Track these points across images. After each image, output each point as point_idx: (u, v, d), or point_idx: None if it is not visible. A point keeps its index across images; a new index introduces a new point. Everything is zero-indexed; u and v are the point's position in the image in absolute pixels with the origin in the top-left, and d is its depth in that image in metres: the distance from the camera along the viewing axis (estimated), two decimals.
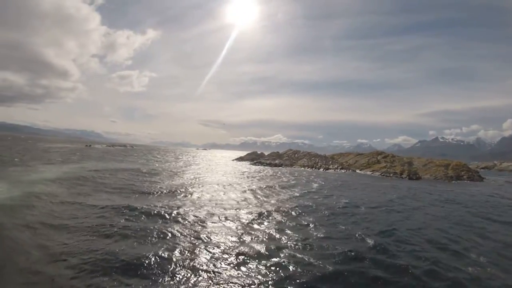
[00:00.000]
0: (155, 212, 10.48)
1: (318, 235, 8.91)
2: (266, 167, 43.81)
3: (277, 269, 6.46)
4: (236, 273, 6.21)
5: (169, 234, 8.26)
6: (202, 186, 17.96)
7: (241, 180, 22.99)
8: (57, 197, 12.06)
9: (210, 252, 7.17)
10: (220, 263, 6.62)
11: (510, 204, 17.77)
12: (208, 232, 8.66)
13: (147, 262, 6.39)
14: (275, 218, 10.87)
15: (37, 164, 24.14)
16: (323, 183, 24.26)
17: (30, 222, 8.63)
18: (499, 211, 15.18)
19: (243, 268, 6.43)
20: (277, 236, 8.73)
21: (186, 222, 9.62)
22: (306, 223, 10.37)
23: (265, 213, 11.42)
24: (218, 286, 5.67)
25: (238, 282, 5.83)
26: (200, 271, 6.15)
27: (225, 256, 7.01)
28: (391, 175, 36.64)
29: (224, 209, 11.91)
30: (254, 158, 56.52)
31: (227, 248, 7.56)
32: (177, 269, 6.21)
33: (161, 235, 8.14)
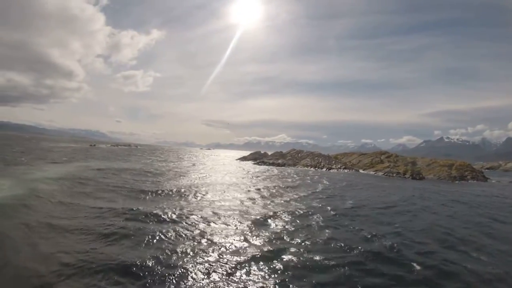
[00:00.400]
0: (157, 212, 10.29)
1: (325, 236, 8.85)
2: (269, 166, 43.86)
3: (283, 271, 6.38)
4: (239, 275, 6.12)
5: (171, 235, 8.12)
6: (205, 186, 17.85)
7: (244, 180, 23.03)
8: (58, 196, 12.02)
9: (213, 254, 7.04)
10: (224, 265, 6.49)
11: None
12: (211, 233, 8.54)
13: (145, 263, 6.26)
14: (280, 219, 10.69)
15: (40, 163, 24.40)
16: (327, 183, 24.20)
17: (28, 220, 8.60)
18: (504, 211, 15.18)
19: (246, 270, 6.34)
20: (283, 237, 8.62)
21: (188, 222, 9.49)
22: (312, 224, 10.25)
23: (270, 214, 11.25)
24: None
25: (242, 284, 5.79)
26: (201, 273, 6.06)
27: (229, 257, 6.89)
28: (394, 175, 36.52)
29: (228, 209, 11.77)
30: (257, 157, 56.64)
31: (231, 249, 7.44)
32: (177, 271, 6.06)
33: (162, 236, 8.00)
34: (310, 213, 11.88)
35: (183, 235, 8.25)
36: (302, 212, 11.98)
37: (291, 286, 5.83)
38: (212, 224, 9.54)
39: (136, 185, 16.10)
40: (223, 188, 17.39)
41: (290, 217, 11.04)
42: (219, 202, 13.28)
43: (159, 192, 14.53)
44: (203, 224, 9.41)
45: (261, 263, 6.70)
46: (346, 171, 41.19)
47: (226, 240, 8.07)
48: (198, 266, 6.33)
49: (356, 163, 47.32)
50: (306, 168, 43.49)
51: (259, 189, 17.66)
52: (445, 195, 20.69)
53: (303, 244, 8.11)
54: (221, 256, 6.93)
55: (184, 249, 7.22)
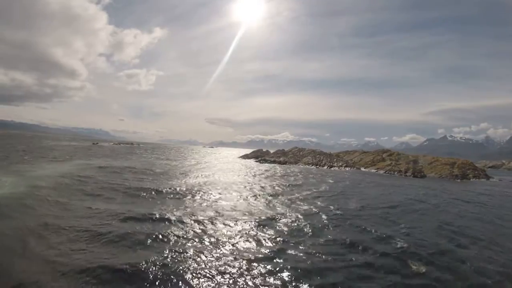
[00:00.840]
0: (157, 213, 10.06)
1: (331, 237, 8.80)
2: (271, 164, 43.82)
3: (289, 273, 6.27)
4: (242, 276, 6.02)
5: (171, 236, 7.95)
6: (207, 184, 17.72)
7: (246, 178, 23.08)
8: (56, 194, 11.95)
9: (214, 255, 6.90)
10: (226, 266, 6.36)
11: None
12: (212, 234, 8.38)
13: (143, 266, 6.08)
14: (285, 219, 10.50)
15: (42, 161, 24.57)
16: (331, 181, 24.24)
17: (24, 220, 8.56)
18: (509, 210, 15.37)
19: (249, 272, 6.22)
20: (288, 238, 8.46)
21: (190, 223, 9.29)
22: (318, 224, 10.11)
23: (274, 214, 11.06)
24: None
25: (245, 285, 5.74)
26: (202, 275, 5.95)
27: (231, 259, 6.77)
28: (396, 173, 36.45)
29: (230, 209, 11.60)
30: (259, 155, 56.61)
31: (233, 250, 7.29)
32: (177, 274, 5.90)
33: (162, 237, 7.83)
34: (315, 213, 11.79)
35: (184, 236, 8.08)
36: (306, 212, 11.87)
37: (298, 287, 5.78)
38: (214, 224, 9.38)
39: (137, 184, 15.94)
40: (225, 187, 17.28)
41: (294, 217, 10.86)
42: (221, 201, 13.20)
43: (160, 191, 14.34)
44: (204, 225, 9.23)
45: (265, 264, 6.61)
46: (347, 169, 41.11)
47: (228, 241, 7.93)
48: (198, 268, 6.22)
49: (358, 161, 47.25)
50: (307, 166, 43.42)
51: (262, 188, 17.64)
52: (448, 193, 20.70)
53: (308, 244, 8.00)
54: (223, 258, 6.80)
55: (183, 250, 7.08)
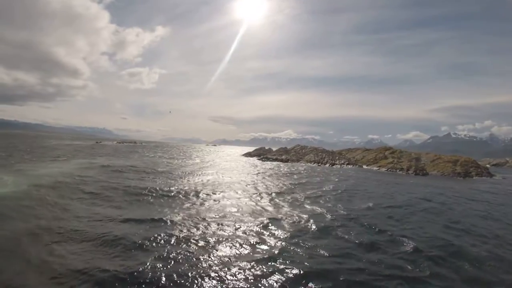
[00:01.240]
0: (158, 215, 9.90)
1: (336, 239, 8.67)
2: (273, 162, 43.90)
3: (295, 278, 6.10)
4: (247, 280, 5.89)
5: (173, 239, 7.76)
6: (210, 184, 17.51)
7: (249, 177, 23.03)
8: (55, 195, 11.89)
9: (219, 258, 6.76)
10: (230, 270, 6.22)
11: None
12: (215, 236, 8.20)
13: (142, 270, 5.94)
14: (290, 220, 10.28)
15: (44, 160, 24.77)
16: (336, 179, 24.21)
17: (21, 222, 8.52)
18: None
19: (255, 275, 6.10)
20: (294, 240, 8.24)
21: (192, 225, 9.06)
22: (324, 225, 9.90)
23: (279, 215, 10.87)
24: None
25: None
26: (205, 278, 5.85)
27: (236, 262, 6.62)
28: (398, 170, 36.36)
29: (233, 209, 11.45)
30: (261, 153, 56.71)
31: (239, 253, 7.13)
32: (179, 278, 5.77)
33: (163, 240, 7.64)
34: (320, 212, 11.62)
35: (186, 237, 7.94)
36: (312, 211, 11.77)
37: None
38: (218, 224, 9.27)
39: (138, 184, 15.74)
40: (228, 186, 17.23)
41: (300, 217, 10.73)
42: (224, 200, 13.12)
43: (162, 190, 14.19)
44: (208, 226, 9.10)
45: (269, 265, 6.54)
46: (349, 166, 41.04)
47: (232, 242, 7.78)
48: (200, 270, 6.13)
49: (360, 158, 47.15)
50: (309, 164, 43.40)
51: (266, 187, 17.60)
52: (452, 191, 20.68)
53: (314, 245, 7.93)
54: (226, 259, 6.72)
55: (185, 252, 6.95)
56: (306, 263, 6.74)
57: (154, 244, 7.45)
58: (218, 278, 5.91)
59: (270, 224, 9.65)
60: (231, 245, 7.67)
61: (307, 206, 12.80)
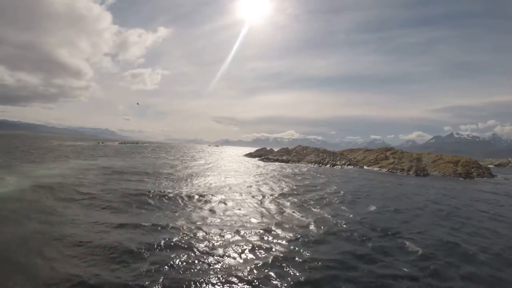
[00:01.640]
0: (160, 220, 9.62)
1: (346, 243, 8.53)
2: (274, 163, 43.95)
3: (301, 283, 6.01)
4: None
5: (174, 246, 7.46)
6: (212, 186, 17.29)
7: (251, 178, 23.04)
8: (53, 197, 11.91)
9: (221, 266, 6.53)
10: (232, 278, 6.04)
11: None
12: (218, 242, 7.91)
13: (137, 281, 5.69)
14: (295, 226, 9.88)
15: (46, 161, 24.94)
16: (338, 181, 24.14)
17: (17, 221, 8.60)
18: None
19: (259, 282, 5.95)
20: (298, 246, 7.95)
21: (193, 229, 8.80)
22: (332, 230, 9.64)
23: (282, 221, 10.41)
24: None
25: None
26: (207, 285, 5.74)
27: (239, 270, 6.38)
28: (398, 171, 36.31)
29: (238, 214, 11.13)
30: (263, 154, 56.92)
31: (242, 261, 6.89)
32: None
33: (164, 247, 7.34)
34: (326, 217, 11.33)
35: (187, 244, 7.65)
36: (318, 216, 11.40)
37: None
38: (220, 230, 8.95)
39: (139, 186, 15.26)
40: (230, 188, 16.90)
41: (306, 222, 10.44)
42: (227, 204, 12.66)
43: (163, 194, 13.66)
44: (210, 232, 8.77)
45: (274, 274, 6.34)
46: (350, 167, 41.03)
47: (235, 249, 7.51)
48: (200, 278, 5.95)
49: (361, 159, 47.14)
50: (310, 164, 43.42)
51: (270, 189, 17.33)
52: (454, 192, 20.73)
53: (321, 251, 7.70)
54: (228, 268, 6.50)
55: (183, 261, 6.68)
56: (309, 269, 6.62)
57: (151, 250, 7.17)
58: (217, 285, 5.81)
59: (273, 228, 9.44)
60: (233, 250, 7.45)
61: (310, 209, 12.60)
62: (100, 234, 8.08)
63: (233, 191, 15.93)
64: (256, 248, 7.69)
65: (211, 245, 7.77)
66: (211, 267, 6.52)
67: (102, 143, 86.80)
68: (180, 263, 6.58)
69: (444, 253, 8.11)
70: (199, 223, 9.71)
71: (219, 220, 10.18)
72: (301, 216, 11.31)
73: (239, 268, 6.52)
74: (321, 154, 48.39)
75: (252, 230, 9.16)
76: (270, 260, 6.97)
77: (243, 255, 7.23)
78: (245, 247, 7.73)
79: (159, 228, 8.89)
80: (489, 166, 59.40)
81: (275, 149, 61.70)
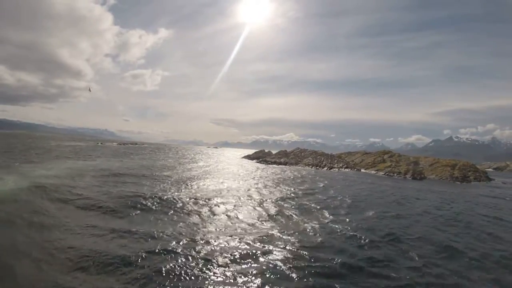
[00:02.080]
0: (158, 226, 9.31)
1: (349, 254, 8.08)
2: (272, 165, 44.04)
3: None
4: None
5: (167, 254, 7.09)
6: (208, 190, 16.93)
7: (249, 182, 23.04)
8: (43, 199, 11.69)
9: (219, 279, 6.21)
10: None
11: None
12: (215, 253, 7.43)
13: None
14: (296, 233, 9.50)
15: (43, 161, 24.92)
16: (338, 186, 24.13)
17: (4, 225, 8.46)
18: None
19: None
20: (299, 257, 7.59)
21: (188, 238, 8.29)
22: (337, 240, 9.22)
23: (283, 227, 10.10)
24: None
25: None
26: None
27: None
28: (395, 174, 36.38)
29: (236, 221, 10.69)
30: (261, 156, 56.95)
31: (244, 272, 6.56)
32: None
33: (155, 256, 6.98)
34: (328, 226, 10.85)
35: (183, 252, 7.28)
36: (320, 224, 10.97)
37: None
38: (218, 238, 8.55)
39: (135, 190, 14.80)
40: (228, 192, 16.51)
41: (310, 229, 10.14)
42: (224, 208, 12.36)
43: (159, 197, 13.20)
44: (208, 239, 8.41)
45: (269, 283, 6.15)
46: (347, 170, 41.14)
47: (233, 261, 7.11)
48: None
49: (359, 162, 47.25)
50: (307, 167, 43.52)
51: (269, 194, 17.02)
52: (453, 196, 20.85)
53: (318, 258, 7.47)
54: (225, 279, 6.24)
55: (180, 269, 6.41)
56: (308, 276, 6.49)
57: (145, 256, 6.89)
58: None
59: (272, 234, 9.26)
60: (230, 256, 7.27)
61: (309, 213, 12.50)
62: (93, 238, 7.92)
63: (231, 195, 15.67)
64: (255, 254, 7.51)
65: (208, 251, 7.53)
66: (208, 273, 6.37)
67: (101, 143, 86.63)
68: (175, 270, 6.37)
69: (445, 259, 8.11)
70: (196, 228, 9.54)
71: (216, 225, 10.03)
72: (301, 221, 11.17)
73: (236, 274, 6.41)
74: (318, 157, 48.49)
75: (251, 236, 8.96)
76: (269, 266, 6.88)
77: (240, 261, 7.08)
78: (243, 252, 7.55)
79: (154, 232, 8.60)
80: (487, 169, 59.53)
81: (274, 152, 61.76)
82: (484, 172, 40.45)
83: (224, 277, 6.28)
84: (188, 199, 13.48)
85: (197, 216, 11.13)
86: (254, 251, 7.68)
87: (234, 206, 13.03)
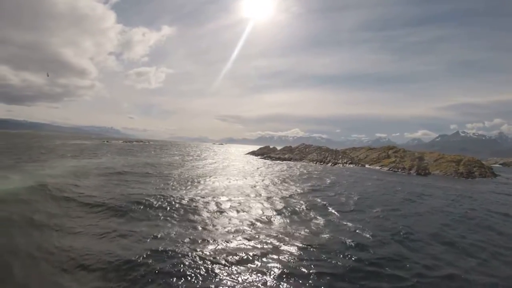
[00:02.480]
0: (159, 229, 8.95)
1: (359, 258, 7.68)
2: (276, 161, 44.27)
3: None
4: None
5: (172, 257, 6.93)
6: (214, 188, 16.78)
7: (255, 179, 23.09)
8: (54, 194, 12.10)
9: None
10: None
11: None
12: (221, 253, 7.28)
13: None
14: (305, 234, 9.21)
15: (48, 160, 25.33)
16: (344, 182, 24.18)
17: (15, 216, 8.76)
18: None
19: None
20: (308, 259, 7.30)
21: (195, 239, 8.16)
22: (340, 236, 9.05)
23: (291, 228, 9.80)
24: None
25: None
26: None
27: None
28: (399, 170, 36.32)
29: (242, 223, 10.15)
30: (265, 152, 57.09)
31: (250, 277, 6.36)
32: None
33: (160, 259, 6.80)
34: (332, 221, 10.78)
35: (188, 254, 7.12)
36: (327, 224, 10.56)
37: None
38: (225, 240, 8.31)
39: (139, 189, 14.66)
40: (235, 189, 16.53)
41: (313, 228, 9.91)
42: (230, 207, 12.10)
43: (165, 197, 12.93)
44: (215, 241, 8.16)
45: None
46: (352, 166, 41.15)
47: (239, 260, 7.02)
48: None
49: (364, 158, 47.19)
50: (311, 163, 43.60)
51: (276, 191, 16.73)
52: (458, 191, 20.75)
53: (334, 266, 7.10)
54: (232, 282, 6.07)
55: (186, 273, 6.26)
56: (315, 279, 6.35)
57: (150, 257, 6.78)
58: None
59: (280, 233, 9.12)
60: (237, 257, 7.13)
61: (317, 211, 12.28)
62: (94, 238, 7.90)
63: (237, 192, 15.54)
64: (261, 253, 7.44)
65: (213, 250, 7.47)
66: (214, 273, 6.32)
67: (107, 141, 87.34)
68: (179, 270, 6.34)
69: (455, 257, 8.00)
70: (201, 226, 9.45)
71: (222, 223, 9.94)
72: (308, 218, 11.08)
73: (242, 273, 6.39)
74: (323, 153, 48.57)
75: (257, 234, 8.92)
76: (275, 265, 6.85)
77: (246, 260, 7.01)
78: (249, 251, 7.48)
79: (158, 231, 8.55)
80: (493, 165, 59.06)
81: (279, 147, 61.88)
82: (490, 168, 40.15)
83: (230, 277, 6.22)
84: (193, 197, 13.44)
85: (202, 214, 11.01)
86: (260, 250, 7.64)
87: (240, 203, 12.94)
